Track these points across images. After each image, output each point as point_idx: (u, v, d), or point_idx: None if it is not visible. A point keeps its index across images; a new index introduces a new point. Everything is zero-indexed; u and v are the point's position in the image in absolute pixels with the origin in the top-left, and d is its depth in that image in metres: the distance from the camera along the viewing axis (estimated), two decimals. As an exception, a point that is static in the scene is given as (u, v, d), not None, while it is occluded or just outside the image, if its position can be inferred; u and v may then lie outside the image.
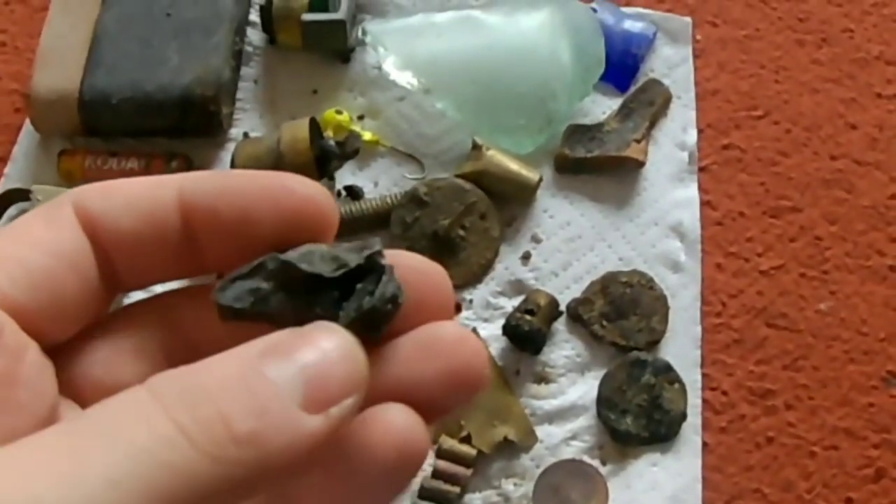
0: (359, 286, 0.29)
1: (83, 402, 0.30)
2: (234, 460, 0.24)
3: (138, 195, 0.30)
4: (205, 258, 0.31)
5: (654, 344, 0.92)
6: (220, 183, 0.31)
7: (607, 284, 0.94)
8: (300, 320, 0.28)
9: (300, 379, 0.25)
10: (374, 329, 0.29)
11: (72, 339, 0.30)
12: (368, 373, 0.27)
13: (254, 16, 1.06)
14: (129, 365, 0.31)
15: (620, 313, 0.93)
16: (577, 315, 0.93)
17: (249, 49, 1.06)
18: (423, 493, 0.85)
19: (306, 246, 0.30)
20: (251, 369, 0.25)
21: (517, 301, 0.93)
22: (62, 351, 0.30)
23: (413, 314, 0.30)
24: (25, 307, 0.28)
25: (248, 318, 0.29)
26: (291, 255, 0.29)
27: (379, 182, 1.00)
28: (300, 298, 0.29)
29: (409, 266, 0.31)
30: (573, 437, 0.90)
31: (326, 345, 0.27)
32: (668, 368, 0.91)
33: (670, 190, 1.00)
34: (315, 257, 0.29)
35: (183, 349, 0.31)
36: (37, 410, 0.28)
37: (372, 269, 0.29)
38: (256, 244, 0.30)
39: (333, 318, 0.28)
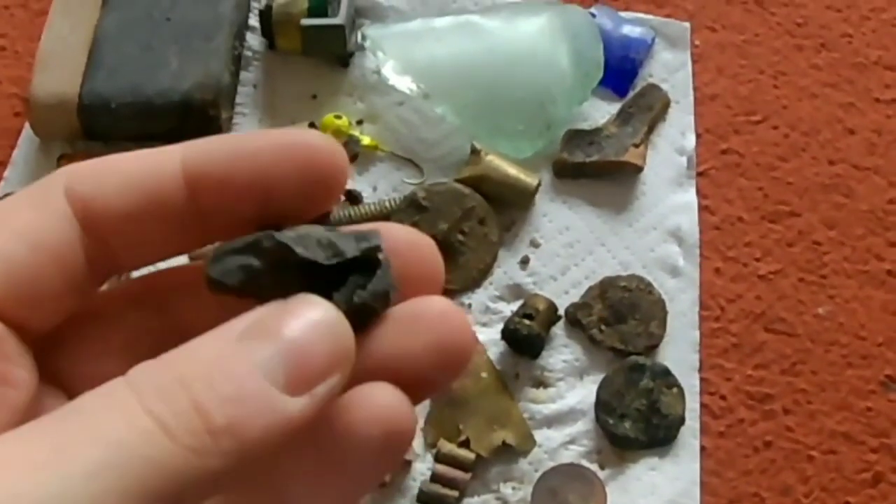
0: (351, 277, 0.29)
1: (71, 390, 0.30)
2: (212, 451, 0.24)
3: (136, 172, 0.29)
4: (210, 229, 0.30)
5: (652, 348, 0.93)
6: (232, 147, 0.29)
7: (606, 289, 0.94)
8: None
9: (281, 358, 0.25)
10: (360, 322, 0.28)
11: (59, 326, 0.29)
12: (354, 347, 0.27)
13: (253, 20, 1.06)
14: (116, 352, 0.30)
15: (619, 318, 0.93)
16: (575, 319, 0.93)
17: (249, 54, 1.06)
18: (422, 496, 0.85)
19: (304, 227, 0.29)
20: (230, 353, 0.25)
21: (516, 306, 0.93)
22: (48, 339, 0.29)
23: (401, 287, 0.30)
24: (3, 299, 0.27)
25: (236, 293, 0.28)
26: (288, 236, 0.28)
27: (378, 187, 1.00)
28: (291, 280, 0.28)
29: (399, 238, 0.30)
30: (571, 442, 0.90)
31: (309, 318, 0.26)
32: (666, 373, 0.91)
33: (669, 195, 1.00)
34: (311, 241, 0.29)
35: (171, 332, 0.30)
36: (13, 402, 0.27)
37: (367, 261, 0.29)
38: (270, 210, 0.29)
39: None
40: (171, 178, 0.29)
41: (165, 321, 0.31)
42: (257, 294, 0.28)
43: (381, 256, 0.29)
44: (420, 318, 0.29)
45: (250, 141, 0.30)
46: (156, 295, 0.32)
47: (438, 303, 0.30)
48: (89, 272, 0.29)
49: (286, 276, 0.28)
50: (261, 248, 0.28)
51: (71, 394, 0.30)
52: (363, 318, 0.29)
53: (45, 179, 0.29)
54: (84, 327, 0.30)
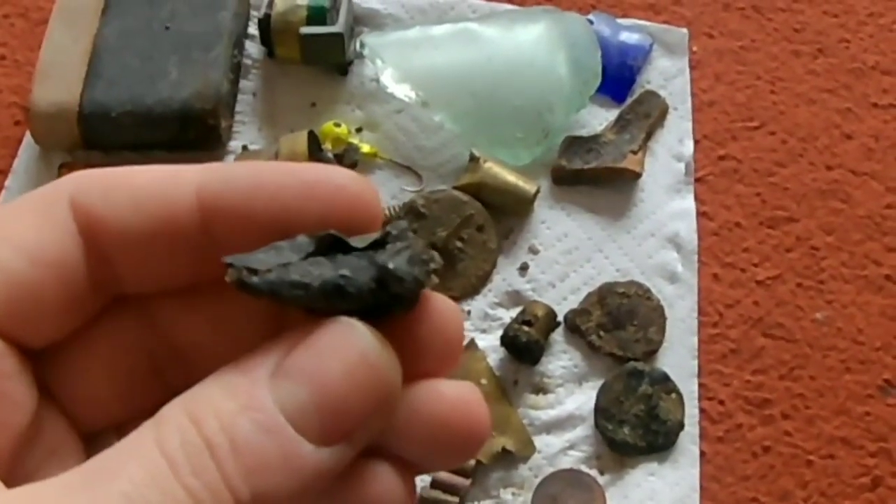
0: (388, 246, 0.28)
1: (66, 407, 0.29)
2: None
3: (148, 190, 0.28)
4: (219, 259, 0.28)
5: (651, 354, 0.93)
6: (253, 178, 0.28)
7: (604, 295, 0.94)
8: (321, 297, 0.26)
9: (316, 406, 0.25)
10: (399, 303, 0.27)
11: (59, 342, 0.29)
12: (399, 381, 0.26)
13: (252, 29, 1.06)
14: (109, 368, 0.30)
15: (617, 324, 0.93)
16: (574, 326, 0.93)
17: (248, 62, 1.06)
18: (422, 503, 0.85)
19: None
20: (259, 401, 0.25)
21: (515, 312, 0.93)
22: (47, 355, 0.28)
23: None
24: (1, 315, 0.27)
25: (258, 289, 0.26)
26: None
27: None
28: (323, 264, 0.27)
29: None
30: (571, 447, 0.90)
31: (349, 355, 0.25)
32: (665, 378, 0.91)
33: (667, 201, 1.00)
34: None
35: (166, 353, 0.30)
36: (14, 420, 0.27)
37: (397, 238, 0.28)
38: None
39: (359, 298, 0.27)
40: (184, 202, 0.28)
41: (159, 342, 0.30)
42: (284, 289, 0.26)
43: (409, 232, 0.28)
44: (434, 405, 0.28)
45: (273, 174, 0.28)
46: (148, 309, 0.30)
47: (455, 389, 0.28)
48: (91, 290, 0.28)
49: (316, 262, 0.27)
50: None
51: (67, 410, 0.29)
52: (402, 297, 0.28)
53: (51, 186, 0.28)
54: (76, 341, 0.29)
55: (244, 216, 0.28)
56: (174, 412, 0.25)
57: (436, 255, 0.29)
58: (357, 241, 0.28)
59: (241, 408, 0.24)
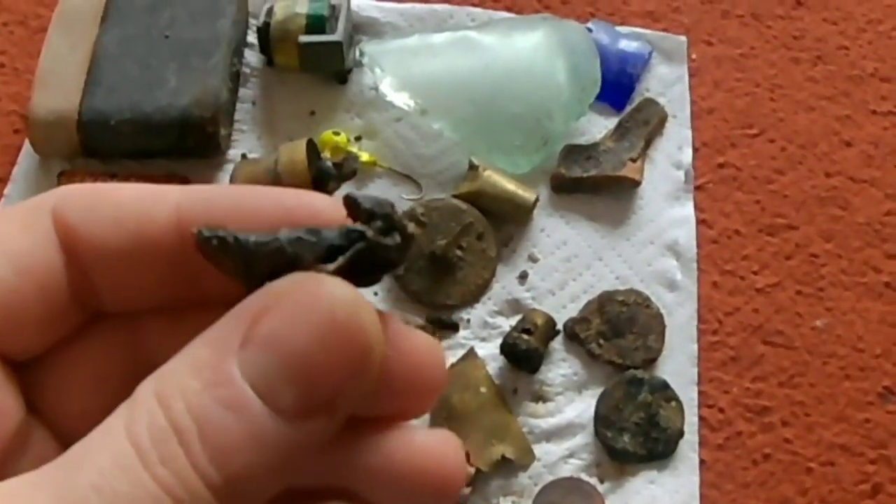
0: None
1: (48, 419, 0.29)
2: None
3: (129, 210, 0.28)
4: (200, 285, 0.28)
5: (650, 362, 0.93)
6: (230, 202, 0.28)
7: (604, 303, 0.94)
8: (287, 247, 0.25)
9: (284, 379, 0.24)
10: (377, 268, 0.27)
11: (42, 355, 0.28)
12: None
13: (251, 37, 1.06)
14: (89, 380, 0.29)
15: (617, 332, 0.93)
16: (573, 334, 0.93)
17: (247, 70, 1.06)
18: (422, 512, 0.85)
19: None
20: (224, 375, 0.24)
21: (514, 320, 0.93)
22: (31, 368, 0.28)
23: (401, 393, 0.28)
24: None
25: (222, 252, 0.26)
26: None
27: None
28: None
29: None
30: (571, 455, 0.90)
31: (314, 319, 0.24)
32: (664, 386, 0.91)
33: (666, 209, 1.00)
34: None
35: (146, 367, 0.28)
36: (3, 430, 0.27)
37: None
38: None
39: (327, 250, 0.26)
40: (163, 221, 0.28)
41: (141, 354, 0.30)
42: (251, 251, 0.26)
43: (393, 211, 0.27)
44: (409, 457, 0.27)
45: (253, 197, 0.28)
46: (131, 327, 0.30)
47: (430, 439, 0.28)
48: (73, 303, 0.28)
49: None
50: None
51: (48, 422, 0.29)
52: (381, 261, 0.27)
53: (38, 199, 0.28)
54: (59, 356, 0.29)
55: None
56: (145, 393, 0.24)
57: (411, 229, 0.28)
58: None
59: (206, 385, 0.24)
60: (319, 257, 0.26)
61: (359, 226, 0.27)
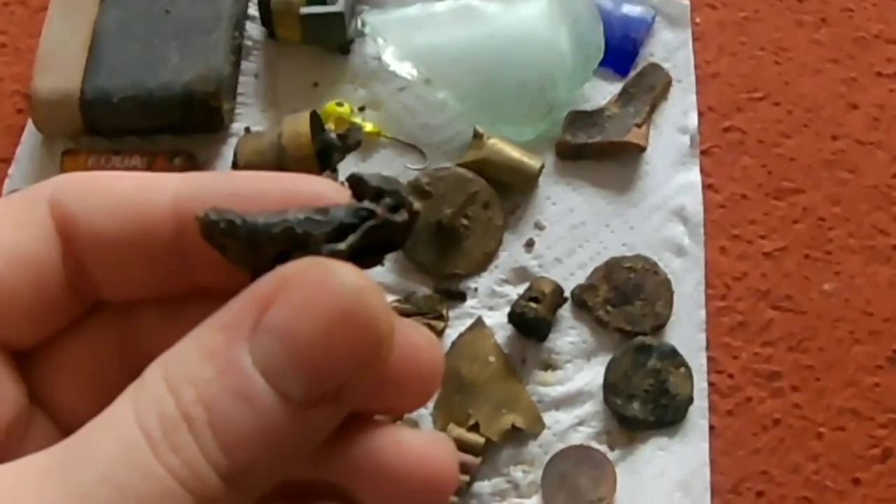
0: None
1: (48, 407, 0.29)
2: (231, 497, 0.23)
3: (126, 198, 0.27)
4: (197, 274, 0.28)
5: (659, 329, 0.93)
6: (229, 188, 0.27)
7: (611, 270, 0.94)
8: (297, 227, 0.25)
9: (294, 368, 0.24)
10: (382, 248, 0.26)
11: (40, 344, 0.28)
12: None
13: (252, 10, 1.06)
14: (93, 377, 0.29)
15: (625, 299, 0.93)
16: (581, 301, 0.93)
17: (249, 43, 1.06)
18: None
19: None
20: (236, 365, 0.24)
21: (522, 289, 0.93)
22: (31, 358, 0.28)
23: (397, 384, 0.28)
24: None
25: (229, 234, 0.26)
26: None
27: (381, 173, 0.99)
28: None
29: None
30: (581, 423, 0.90)
31: (324, 308, 0.24)
32: (673, 353, 0.91)
33: (672, 174, 1.00)
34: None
35: (144, 359, 0.28)
36: (2, 417, 0.27)
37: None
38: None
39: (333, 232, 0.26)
40: (160, 209, 0.27)
41: (139, 346, 0.30)
42: (260, 232, 0.25)
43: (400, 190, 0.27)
44: (398, 459, 0.27)
45: (251, 183, 0.28)
46: (124, 316, 0.30)
47: (422, 441, 0.28)
48: (71, 293, 0.28)
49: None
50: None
51: (50, 411, 0.29)
52: (389, 239, 0.27)
53: (34, 189, 0.28)
54: (58, 346, 0.29)
55: None
56: (154, 377, 0.24)
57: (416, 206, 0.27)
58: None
59: (217, 373, 0.24)
60: (330, 236, 0.26)
61: (368, 203, 0.26)
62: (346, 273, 0.24)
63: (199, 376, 0.24)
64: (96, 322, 0.30)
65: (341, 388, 0.24)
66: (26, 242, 0.27)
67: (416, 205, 0.27)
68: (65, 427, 0.29)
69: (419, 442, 0.27)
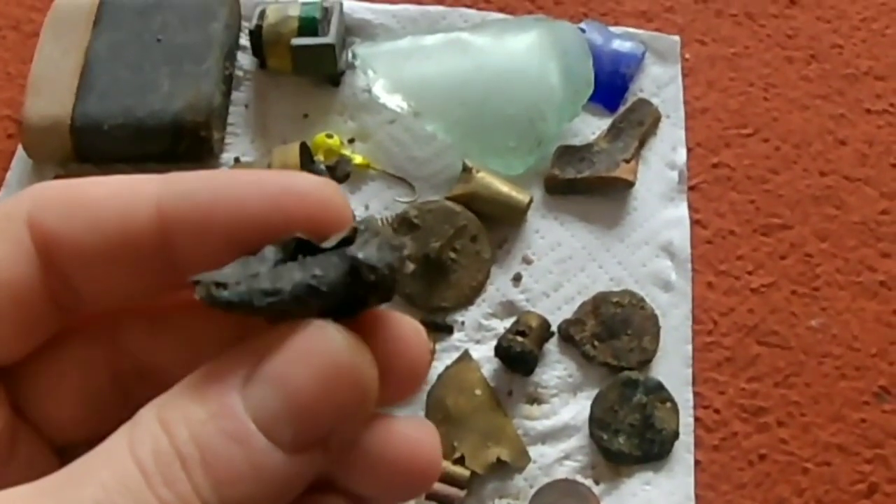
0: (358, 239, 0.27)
1: (40, 425, 0.29)
2: None
3: (107, 208, 0.27)
4: (182, 274, 0.27)
5: (645, 363, 0.93)
6: (214, 189, 0.27)
7: (598, 305, 0.94)
8: (294, 301, 0.26)
9: (289, 413, 0.25)
10: (375, 293, 0.27)
11: (24, 359, 0.28)
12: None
13: (244, 40, 1.06)
14: (74, 386, 0.29)
15: (612, 333, 0.93)
16: (568, 336, 0.93)
17: (240, 73, 1.06)
18: (417, 515, 0.85)
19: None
20: (230, 410, 0.25)
21: (509, 322, 0.93)
22: (15, 372, 0.28)
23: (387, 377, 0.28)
24: None
25: (229, 302, 0.26)
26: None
27: (370, 205, 1.00)
28: (293, 269, 0.26)
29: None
30: (566, 457, 0.90)
31: (323, 359, 0.25)
32: (659, 387, 0.91)
33: (660, 209, 1.00)
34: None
35: (133, 373, 0.30)
36: None
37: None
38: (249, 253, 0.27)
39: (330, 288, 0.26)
40: (143, 217, 0.27)
41: (122, 360, 0.30)
42: (258, 308, 0.26)
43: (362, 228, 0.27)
44: (386, 445, 0.28)
45: (235, 184, 0.27)
46: (110, 329, 0.30)
47: (408, 427, 0.28)
48: (52, 307, 0.28)
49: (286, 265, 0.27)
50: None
51: (36, 426, 0.29)
52: (371, 286, 0.27)
53: (10, 205, 0.27)
54: (42, 360, 0.29)
55: (205, 230, 0.27)
56: (148, 417, 0.25)
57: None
58: (326, 242, 0.27)
59: (211, 416, 0.24)
60: (325, 309, 0.26)
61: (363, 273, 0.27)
62: (337, 332, 0.26)
63: (192, 417, 0.24)
64: (82, 334, 0.30)
65: (329, 435, 0.26)
66: (6, 260, 0.27)
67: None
68: (52, 440, 0.29)
69: (406, 427, 0.28)
